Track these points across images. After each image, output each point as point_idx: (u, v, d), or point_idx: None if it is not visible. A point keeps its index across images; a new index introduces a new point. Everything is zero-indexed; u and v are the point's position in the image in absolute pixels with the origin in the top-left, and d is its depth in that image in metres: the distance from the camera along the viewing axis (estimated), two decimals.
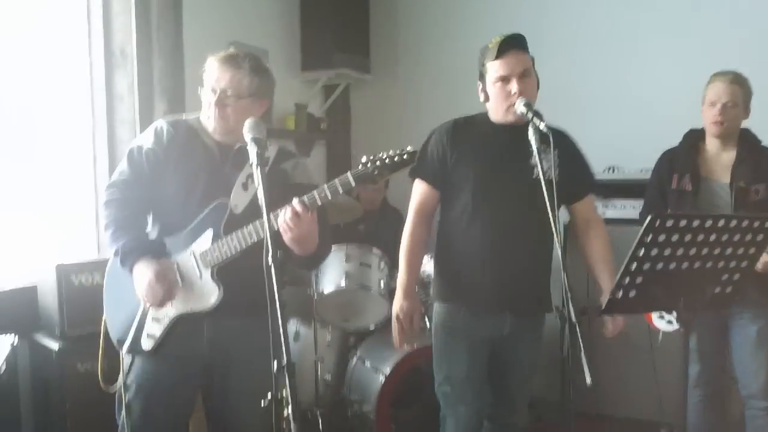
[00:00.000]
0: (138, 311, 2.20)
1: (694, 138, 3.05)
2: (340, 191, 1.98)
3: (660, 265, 2.05)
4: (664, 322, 3.11)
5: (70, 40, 3.36)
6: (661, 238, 2.00)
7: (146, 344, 2.19)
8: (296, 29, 4.53)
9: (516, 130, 2.32)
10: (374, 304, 3.57)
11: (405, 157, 1.95)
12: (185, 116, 2.36)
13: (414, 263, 2.53)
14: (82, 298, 2.79)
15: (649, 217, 1.97)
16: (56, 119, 3.31)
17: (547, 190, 2.08)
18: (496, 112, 2.43)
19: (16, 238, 3.15)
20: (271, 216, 1.93)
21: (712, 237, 2.05)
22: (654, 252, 2.01)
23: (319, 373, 3.51)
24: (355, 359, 3.63)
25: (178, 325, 2.18)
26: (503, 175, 2.42)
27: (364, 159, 1.97)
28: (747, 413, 2.97)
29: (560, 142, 2.28)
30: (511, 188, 2.41)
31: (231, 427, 2.32)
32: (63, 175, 3.34)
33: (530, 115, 2.21)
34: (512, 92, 2.32)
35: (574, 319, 1.97)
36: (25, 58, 3.18)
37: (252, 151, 1.86)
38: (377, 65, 4.76)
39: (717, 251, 2.09)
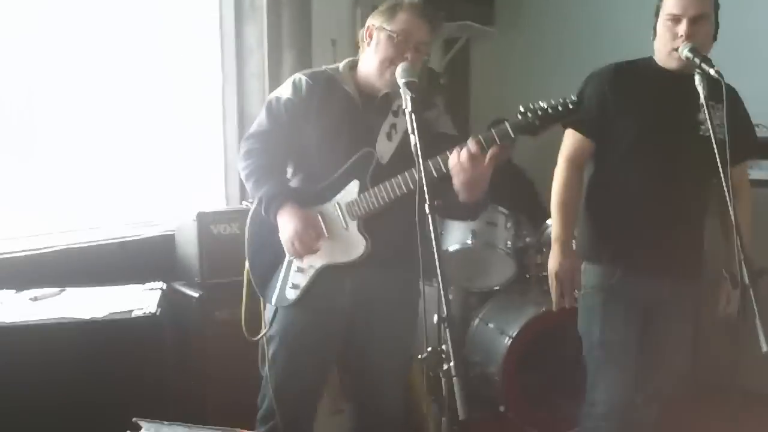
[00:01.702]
0: (283, 261, 2.17)
1: None
2: (512, 135, 1.84)
3: None
4: None
5: None
6: None
7: (290, 294, 2.15)
8: None
9: (682, 78, 2.13)
10: (500, 264, 3.47)
11: (570, 107, 1.80)
12: (324, 67, 2.28)
13: (570, 216, 2.33)
14: (219, 247, 2.79)
15: None
16: (187, 73, 3.33)
17: (718, 149, 1.91)
18: (659, 54, 2.25)
19: (150, 188, 3.23)
20: (429, 163, 1.85)
21: None
22: None
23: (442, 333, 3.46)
24: (477, 320, 3.55)
25: (321, 276, 2.14)
26: (668, 127, 2.22)
27: (522, 108, 1.82)
28: None
29: (729, 98, 2.04)
30: (676, 143, 2.22)
31: (369, 383, 2.28)
32: (193, 127, 3.38)
33: (697, 60, 2.03)
34: (678, 35, 2.13)
35: (747, 281, 1.81)
36: (156, 12, 3.20)
37: (406, 96, 1.77)
38: (502, 16, 4.56)
39: None
